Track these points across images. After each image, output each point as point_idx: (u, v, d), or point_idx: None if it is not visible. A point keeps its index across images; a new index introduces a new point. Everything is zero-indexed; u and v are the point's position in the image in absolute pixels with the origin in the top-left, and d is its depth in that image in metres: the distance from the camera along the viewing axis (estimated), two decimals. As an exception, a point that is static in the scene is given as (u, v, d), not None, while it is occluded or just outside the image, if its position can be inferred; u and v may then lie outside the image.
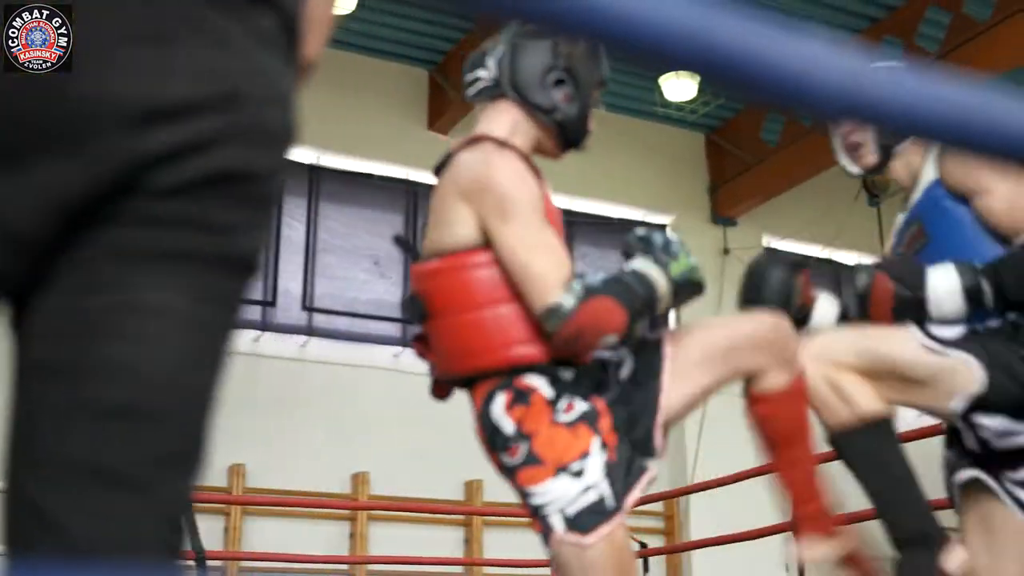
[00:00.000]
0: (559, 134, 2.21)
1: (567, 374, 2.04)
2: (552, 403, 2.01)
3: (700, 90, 8.55)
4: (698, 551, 7.71)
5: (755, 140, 9.26)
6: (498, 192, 2.02)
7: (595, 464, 1.97)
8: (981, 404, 2.24)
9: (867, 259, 9.42)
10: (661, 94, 8.68)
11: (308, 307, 8.13)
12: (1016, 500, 2.30)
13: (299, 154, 8.35)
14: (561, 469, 1.97)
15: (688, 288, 2.08)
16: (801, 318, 2.36)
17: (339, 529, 7.76)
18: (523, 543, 7.76)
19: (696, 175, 9.67)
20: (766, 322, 2.16)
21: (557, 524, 1.97)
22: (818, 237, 9.40)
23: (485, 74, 2.22)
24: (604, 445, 1.99)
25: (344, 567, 7.72)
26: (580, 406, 2.01)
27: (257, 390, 7.69)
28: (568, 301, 1.94)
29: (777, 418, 2.13)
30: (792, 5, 8.00)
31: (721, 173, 9.57)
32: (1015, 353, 2.24)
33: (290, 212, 8.27)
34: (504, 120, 2.18)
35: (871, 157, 2.53)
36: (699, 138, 9.74)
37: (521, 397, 2.02)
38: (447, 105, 8.54)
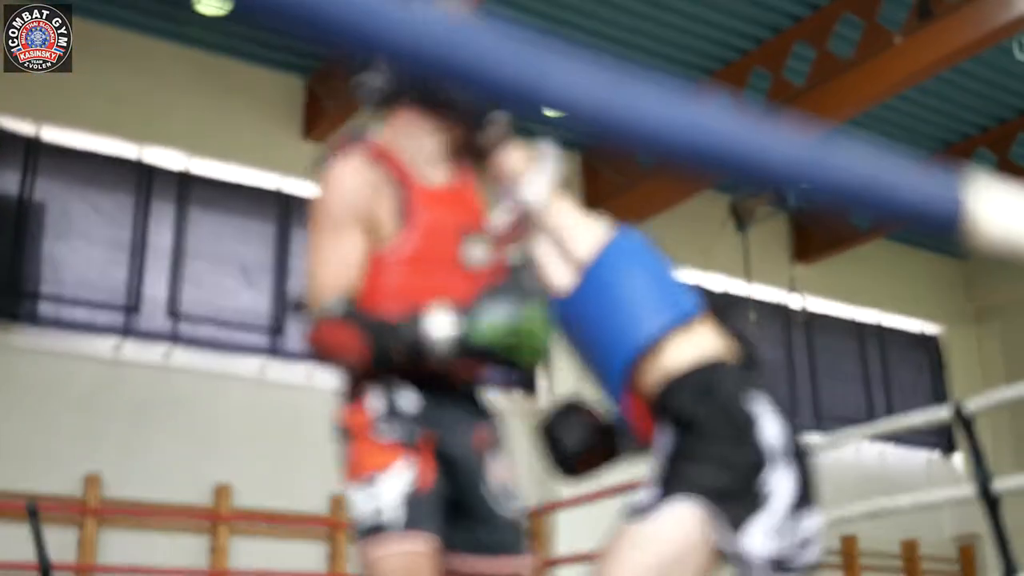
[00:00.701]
0: (467, 122, 2.20)
1: (406, 401, 2.08)
2: (374, 415, 2.08)
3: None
4: (564, 567, 7.78)
5: (630, 162, 9.43)
6: (315, 201, 2.13)
7: (391, 485, 2.01)
8: None
9: (733, 283, 9.58)
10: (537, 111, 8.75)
11: (173, 314, 7.95)
12: None
13: (169, 158, 8.18)
14: (360, 479, 2.04)
15: (489, 354, 2.03)
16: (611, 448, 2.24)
17: (199, 542, 7.59)
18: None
19: (572, 196, 9.78)
20: None
21: (359, 528, 2.05)
22: (687, 260, 9.63)
23: (374, 78, 2.16)
24: (414, 472, 2.03)
25: (202, 581, 7.55)
26: (405, 431, 2.06)
27: (117, 398, 7.48)
28: (333, 310, 2.03)
29: None
30: (665, 34, 8.20)
31: (596, 194, 9.71)
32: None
33: (157, 217, 8.08)
34: (397, 125, 2.17)
35: None
36: (574, 158, 9.87)
37: (353, 399, 2.12)
38: (322, 115, 8.47)
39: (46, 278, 7.57)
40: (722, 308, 2.17)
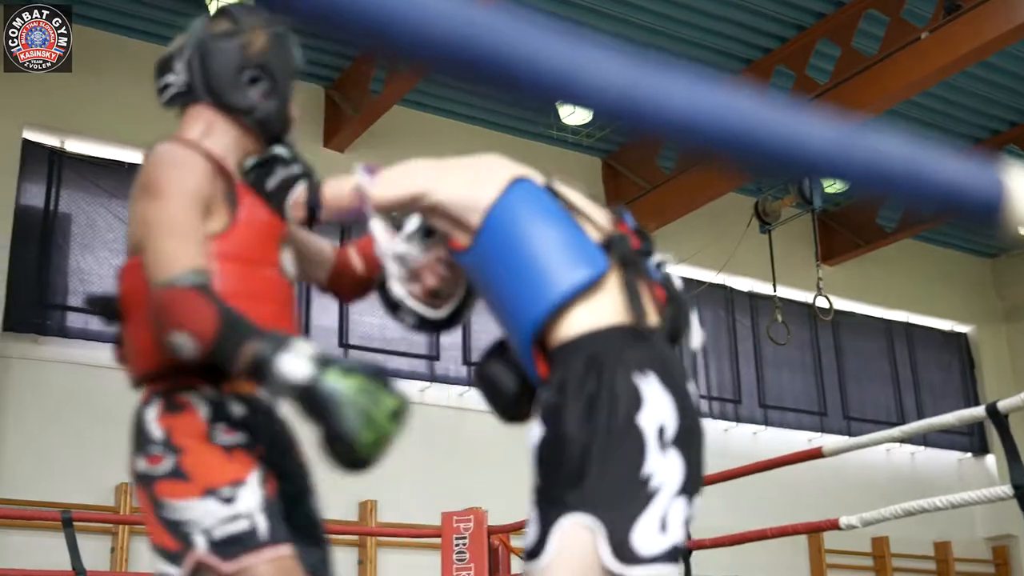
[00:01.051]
0: (260, 131, 2.13)
1: (237, 409, 1.97)
2: (208, 422, 1.93)
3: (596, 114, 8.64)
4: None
5: (651, 165, 9.40)
6: (150, 179, 1.97)
7: (250, 495, 1.88)
8: None
9: (758, 284, 9.52)
10: (557, 117, 8.77)
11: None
12: None
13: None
14: (210, 492, 1.87)
15: (323, 407, 1.77)
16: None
17: (228, 551, 7.61)
18: (419, 563, 7.69)
19: (593, 199, 9.76)
20: None
21: (200, 543, 1.86)
22: (711, 262, 9.59)
23: (174, 79, 2.14)
24: (265, 481, 1.92)
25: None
26: (241, 438, 1.94)
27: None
28: (183, 279, 1.83)
29: None
30: (688, 33, 8.17)
31: (618, 197, 9.69)
32: None
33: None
34: (198, 124, 2.10)
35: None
36: (596, 162, 9.85)
37: (173, 407, 1.94)
38: (343, 123, 8.49)
39: (73, 289, 7.61)
40: (630, 262, 1.95)
